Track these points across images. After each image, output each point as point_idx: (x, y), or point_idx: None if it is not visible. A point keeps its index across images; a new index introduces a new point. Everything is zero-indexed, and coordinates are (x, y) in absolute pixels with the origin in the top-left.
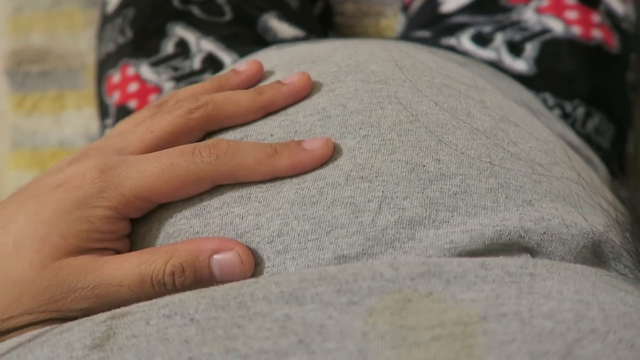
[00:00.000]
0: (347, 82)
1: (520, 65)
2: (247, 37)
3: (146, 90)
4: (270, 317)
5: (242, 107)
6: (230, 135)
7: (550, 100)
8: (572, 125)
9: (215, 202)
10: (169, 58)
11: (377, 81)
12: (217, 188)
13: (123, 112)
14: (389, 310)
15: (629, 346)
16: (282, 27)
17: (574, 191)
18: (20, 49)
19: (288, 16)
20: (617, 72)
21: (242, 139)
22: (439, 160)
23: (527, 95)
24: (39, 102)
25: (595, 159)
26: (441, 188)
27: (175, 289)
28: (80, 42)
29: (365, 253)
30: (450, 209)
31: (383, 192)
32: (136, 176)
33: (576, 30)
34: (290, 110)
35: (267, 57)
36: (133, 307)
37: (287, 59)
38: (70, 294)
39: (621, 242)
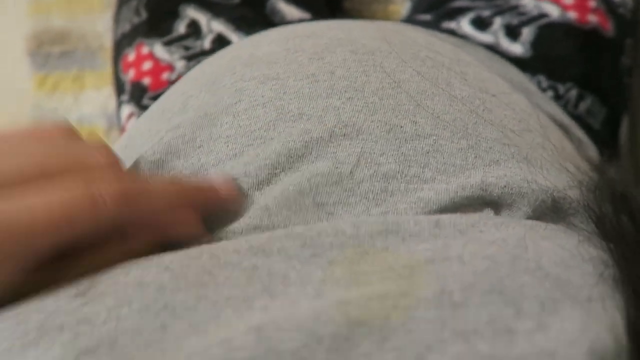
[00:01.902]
0: (337, 52)
1: (517, 48)
2: (256, 19)
3: (159, 68)
4: (239, 266)
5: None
6: (225, 102)
7: (544, 82)
8: (565, 106)
9: (212, 161)
10: (181, 38)
11: (365, 52)
12: (213, 149)
13: (138, 88)
14: (347, 261)
15: (555, 279)
16: (289, 10)
17: (541, 155)
18: (41, 30)
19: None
20: (611, 56)
21: (235, 103)
22: (416, 123)
23: (520, 77)
24: (59, 82)
25: (585, 139)
26: (415, 147)
27: None
28: (99, 24)
29: (341, 202)
30: (422, 165)
31: (362, 148)
32: None
33: (572, 15)
34: (282, 75)
35: (267, 35)
36: (114, 266)
37: (284, 35)
38: None
39: (579, 200)
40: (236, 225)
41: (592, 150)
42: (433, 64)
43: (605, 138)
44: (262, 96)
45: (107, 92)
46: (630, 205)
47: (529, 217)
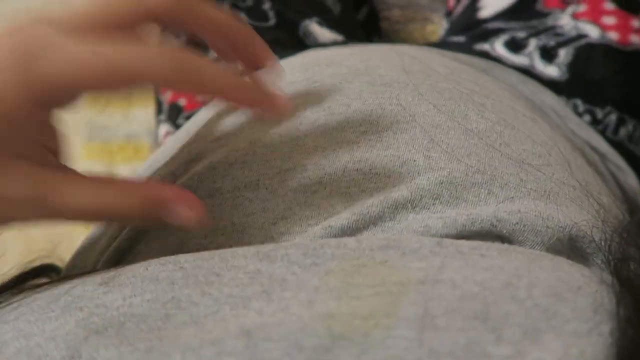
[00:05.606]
0: (354, 83)
1: (552, 71)
2: (288, 41)
3: None
4: (244, 269)
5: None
6: (242, 137)
7: (581, 106)
8: (603, 131)
9: (228, 185)
10: (216, 61)
11: (382, 84)
12: (229, 174)
13: (174, 108)
14: (343, 272)
15: (543, 309)
16: (322, 32)
17: (562, 191)
18: None
19: (329, 22)
20: None
21: (254, 131)
22: (429, 157)
23: (554, 101)
24: (110, 100)
25: (626, 168)
26: (428, 177)
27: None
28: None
29: (350, 227)
30: (434, 196)
31: (375, 182)
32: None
33: (613, 35)
34: (300, 107)
35: (290, 61)
36: (138, 262)
37: (305, 62)
38: None
39: (601, 239)
40: None
41: (633, 180)
42: (451, 96)
43: None
44: (280, 125)
45: (153, 111)
46: None
47: None
